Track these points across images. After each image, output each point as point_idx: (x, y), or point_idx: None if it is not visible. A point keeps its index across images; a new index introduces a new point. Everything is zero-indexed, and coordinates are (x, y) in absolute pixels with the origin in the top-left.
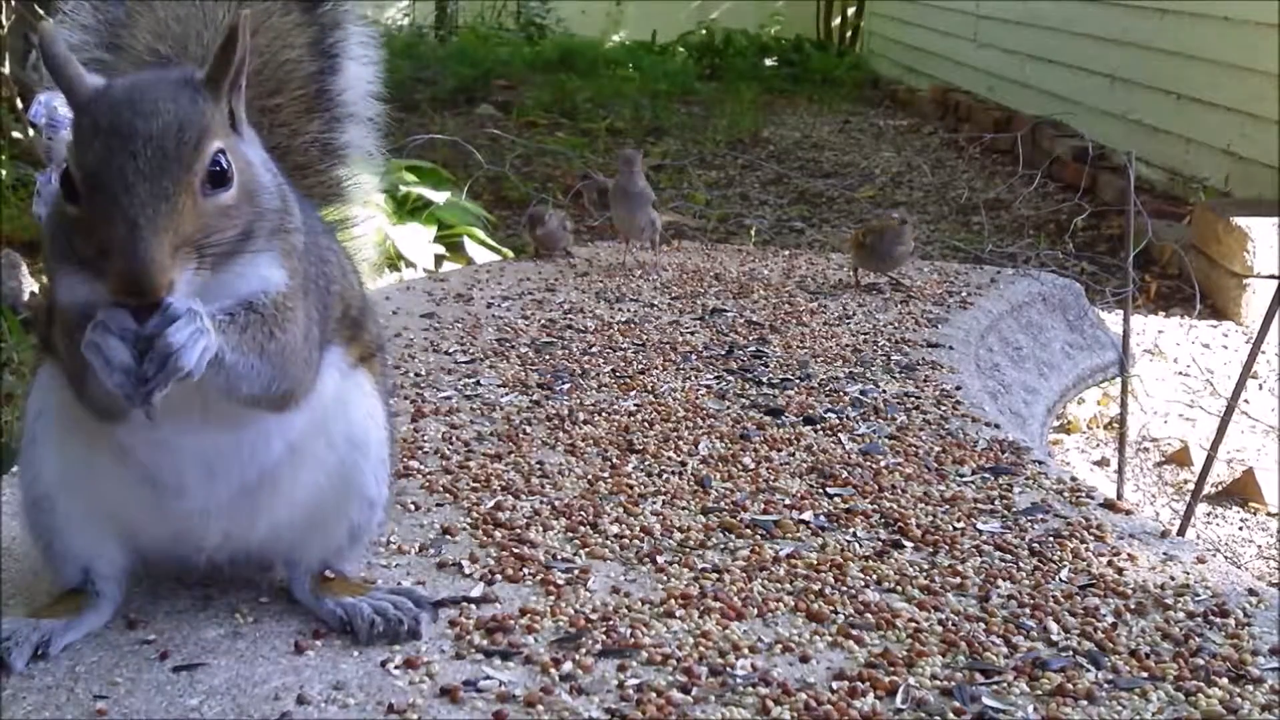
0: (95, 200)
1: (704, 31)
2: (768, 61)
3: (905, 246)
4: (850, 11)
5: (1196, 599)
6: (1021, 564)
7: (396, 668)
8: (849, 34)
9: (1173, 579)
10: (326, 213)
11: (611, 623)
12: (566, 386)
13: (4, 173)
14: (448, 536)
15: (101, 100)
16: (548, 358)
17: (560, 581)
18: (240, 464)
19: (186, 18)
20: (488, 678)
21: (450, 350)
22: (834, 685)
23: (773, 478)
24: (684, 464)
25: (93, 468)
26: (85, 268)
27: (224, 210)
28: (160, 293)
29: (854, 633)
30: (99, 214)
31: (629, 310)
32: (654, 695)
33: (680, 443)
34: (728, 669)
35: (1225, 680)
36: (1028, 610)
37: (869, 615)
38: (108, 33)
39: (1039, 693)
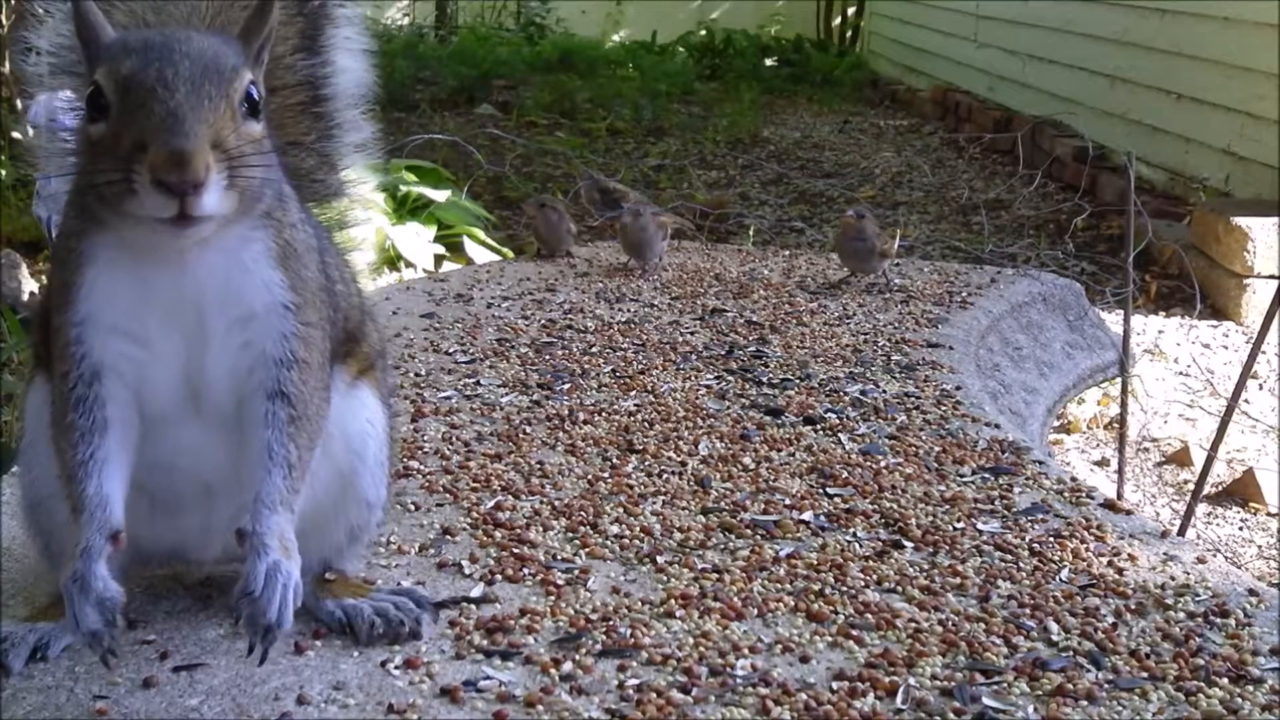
0: (131, 101)
1: (704, 31)
2: (768, 61)
3: (867, 242)
4: (850, 11)
5: (1196, 599)
6: (1021, 564)
7: (396, 668)
8: (849, 34)
9: (1173, 579)
10: (322, 215)
11: (611, 623)
12: (566, 386)
13: (4, 173)
14: (448, 537)
15: (136, 33)
16: (548, 358)
17: (560, 581)
18: (239, 484)
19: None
20: (488, 678)
21: (450, 350)
22: (834, 685)
23: (773, 478)
24: (684, 464)
25: None
26: (113, 184)
27: (254, 140)
28: (200, 175)
29: (854, 633)
30: (136, 113)
31: (629, 310)
32: (654, 695)
33: (680, 443)
34: (728, 669)
35: (1225, 680)
36: (1028, 610)
37: (869, 615)
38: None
39: (1039, 693)
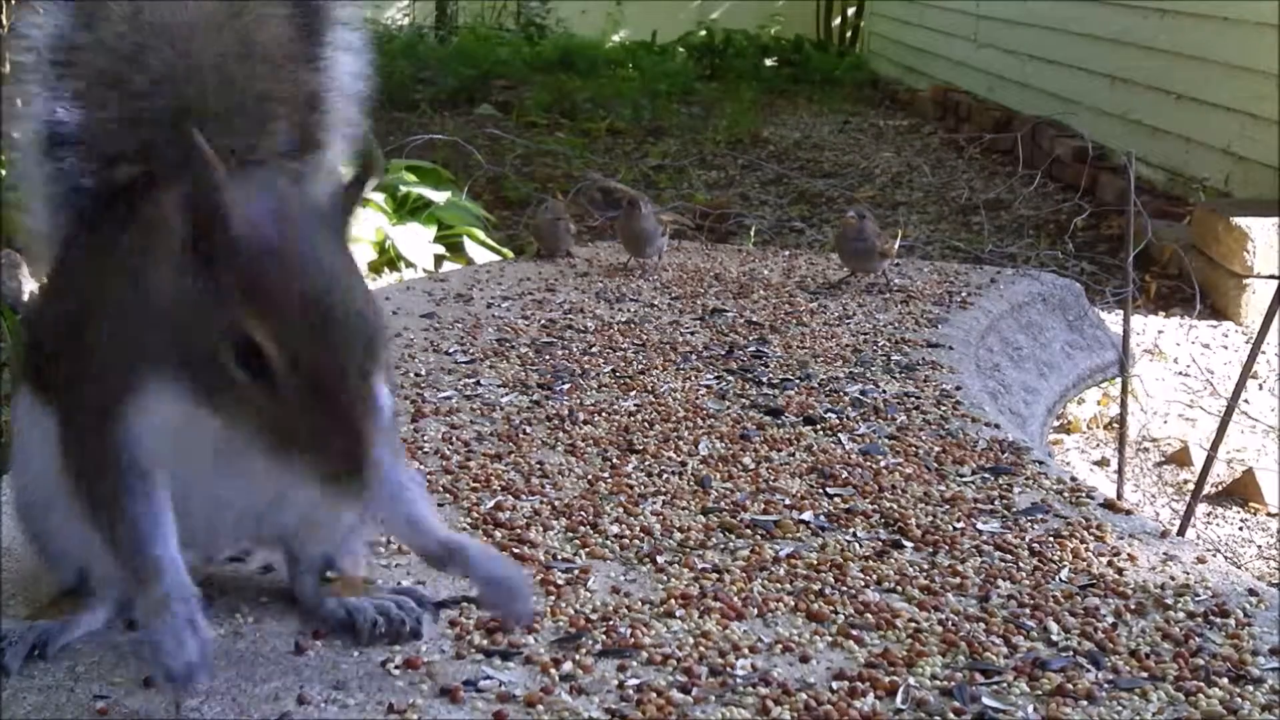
0: (306, 388)
1: (704, 31)
2: (768, 61)
3: (867, 242)
4: (850, 11)
5: (1196, 599)
6: (1021, 564)
7: (396, 668)
8: (849, 34)
9: (1173, 579)
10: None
11: (611, 623)
12: (566, 386)
13: (4, 173)
14: None
15: (290, 271)
16: (548, 358)
17: (560, 581)
18: (248, 494)
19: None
20: (488, 678)
21: (450, 350)
22: (834, 685)
23: (773, 478)
24: (684, 464)
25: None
26: (268, 446)
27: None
28: (371, 491)
29: (854, 633)
30: (311, 403)
31: (629, 310)
32: (654, 695)
33: (680, 443)
34: (728, 669)
35: (1225, 680)
36: (1028, 610)
37: (869, 615)
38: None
39: (1039, 693)
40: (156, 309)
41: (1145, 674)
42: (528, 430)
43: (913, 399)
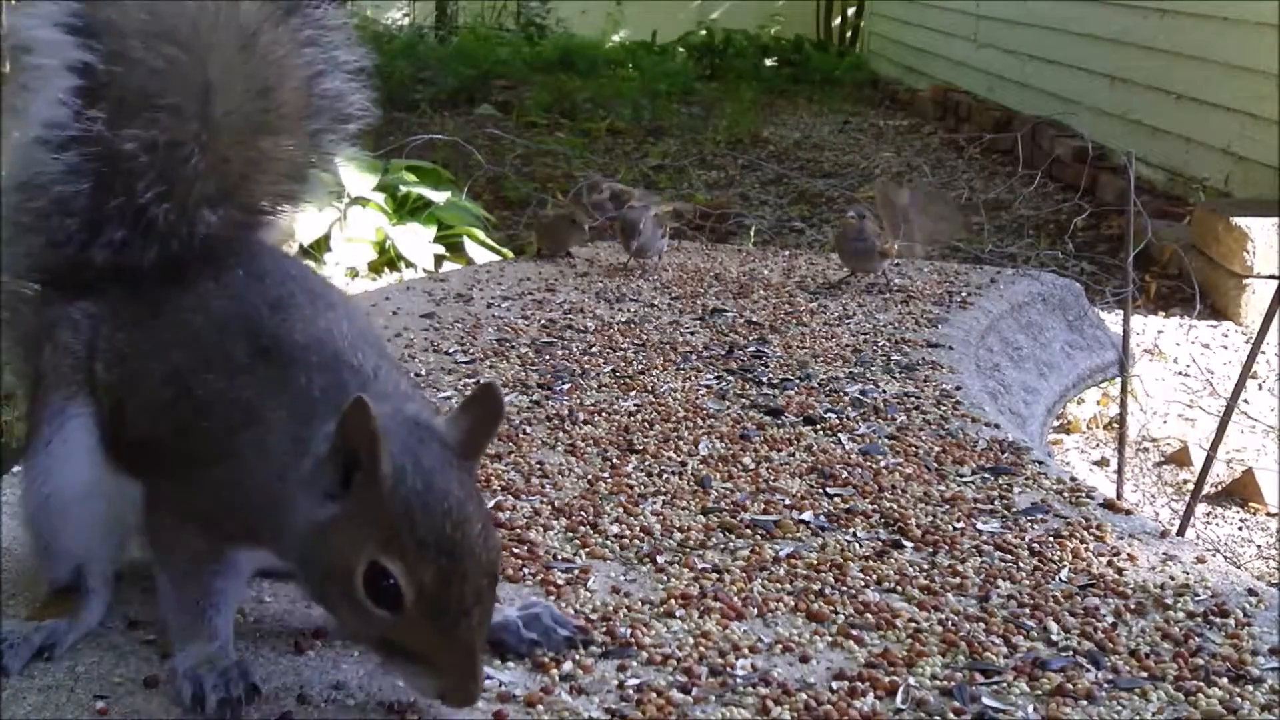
0: (428, 618)
1: (704, 31)
2: (768, 61)
3: (867, 242)
4: (850, 11)
5: (1196, 599)
6: (1021, 564)
7: None
8: (849, 34)
9: (1173, 579)
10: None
11: (611, 623)
12: (566, 386)
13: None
14: None
15: (430, 516)
16: (548, 358)
17: (560, 581)
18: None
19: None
20: (488, 677)
21: (450, 350)
22: (834, 685)
23: (773, 478)
24: (684, 464)
25: (99, 485)
26: (387, 649)
27: None
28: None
29: (854, 633)
30: (432, 631)
31: (629, 310)
32: (654, 695)
33: (680, 443)
34: (728, 669)
35: (1225, 680)
36: (1028, 610)
37: (869, 615)
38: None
39: (1039, 693)
40: (288, 498)
41: (1145, 674)
42: (528, 430)
43: (913, 399)
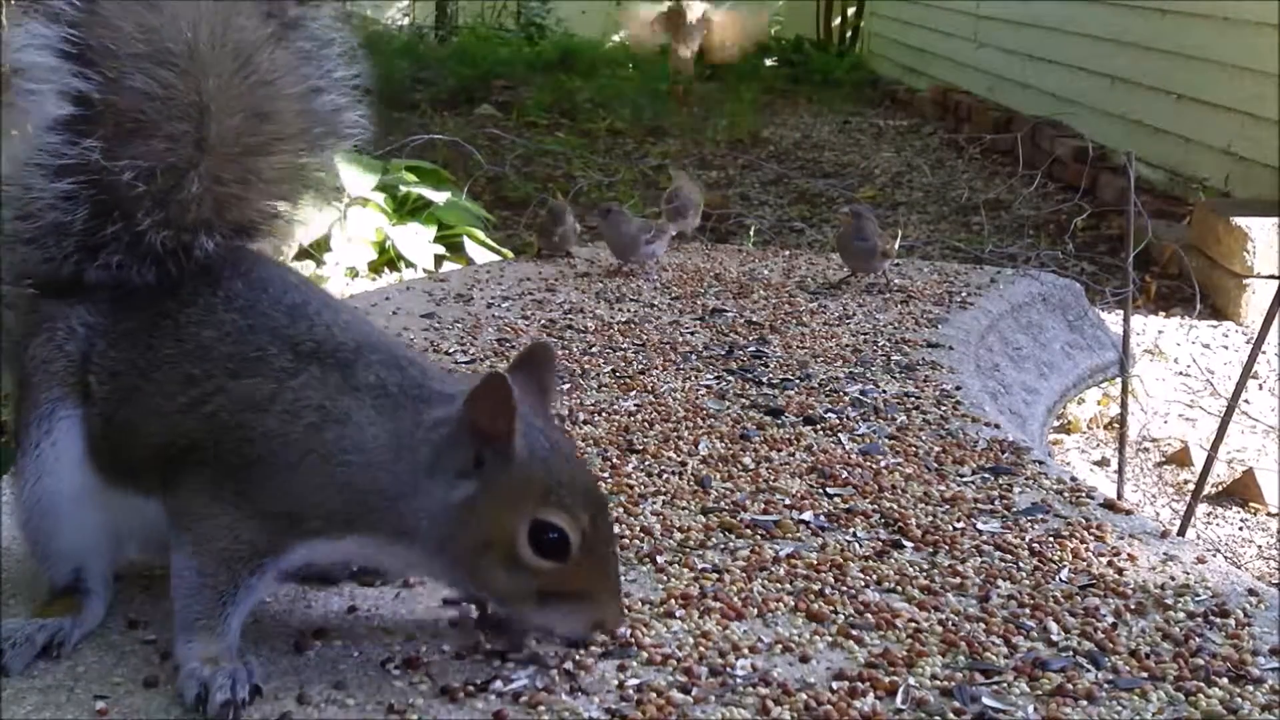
0: (590, 557)
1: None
2: (768, 61)
3: (868, 242)
4: (850, 11)
5: (1196, 599)
6: (1021, 564)
7: (396, 668)
8: (849, 34)
9: (1173, 579)
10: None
11: None
12: (566, 386)
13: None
14: None
15: (566, 461)
16: None
17: None
18: None
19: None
20: (494, 679)
21: (450, 350)
22: (834, 685)
23: (773, 478)
24: (684, 464)
25: (91, 487)
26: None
27: None
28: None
29: (854, 633)
30: (592, 569)
31: (629, 310)
32: (654, 695)
33: (680, 443)
34: (728, 669)
35: (1225, 680)
36: (1028, 610)
37: (869, 615)
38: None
39: (1039, 693)
40: (404, 488)
41: (1145, 674)
42: None
43: (913, 399)
